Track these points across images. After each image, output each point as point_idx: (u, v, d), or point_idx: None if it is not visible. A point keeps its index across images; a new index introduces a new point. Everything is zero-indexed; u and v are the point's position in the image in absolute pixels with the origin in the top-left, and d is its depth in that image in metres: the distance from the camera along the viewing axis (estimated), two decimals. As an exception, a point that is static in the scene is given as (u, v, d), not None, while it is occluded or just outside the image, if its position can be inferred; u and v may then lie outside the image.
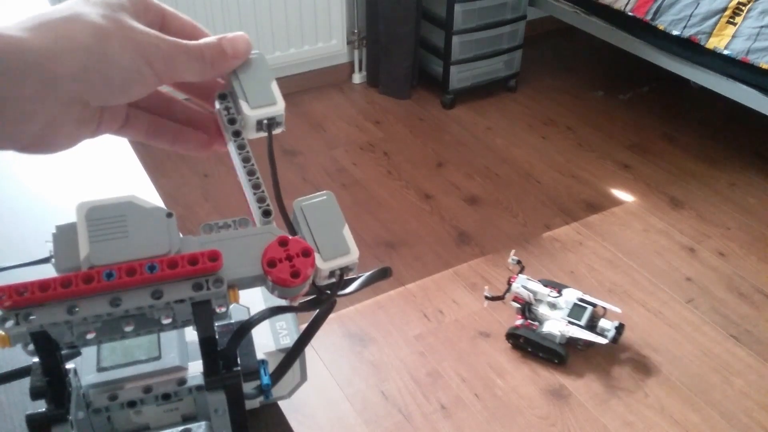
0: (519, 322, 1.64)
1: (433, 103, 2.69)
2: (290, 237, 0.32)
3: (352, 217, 2.06)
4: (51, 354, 0.31)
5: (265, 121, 0.35)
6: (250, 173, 0.35)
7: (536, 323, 1.63)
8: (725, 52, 2.10)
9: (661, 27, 2.27)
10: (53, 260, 0.31)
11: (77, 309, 0.29)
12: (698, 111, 2.68)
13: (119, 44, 0.30)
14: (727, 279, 1.87)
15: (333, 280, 0.34)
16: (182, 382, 0.38)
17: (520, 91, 2.80)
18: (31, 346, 0.30)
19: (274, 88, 0.35)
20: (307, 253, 0.32)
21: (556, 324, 1.59)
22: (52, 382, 0.32)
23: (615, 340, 1.58)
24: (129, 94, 0.31)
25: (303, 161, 2.31)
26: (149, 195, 0.63)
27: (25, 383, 0.33)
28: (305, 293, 0.34)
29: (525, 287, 1.65)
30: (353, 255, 0.33)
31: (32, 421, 0.33)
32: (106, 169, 0.67)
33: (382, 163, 2.32)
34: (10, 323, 0.29)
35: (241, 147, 0.35)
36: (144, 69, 0.31)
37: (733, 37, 2.08)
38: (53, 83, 0.28)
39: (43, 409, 0.33)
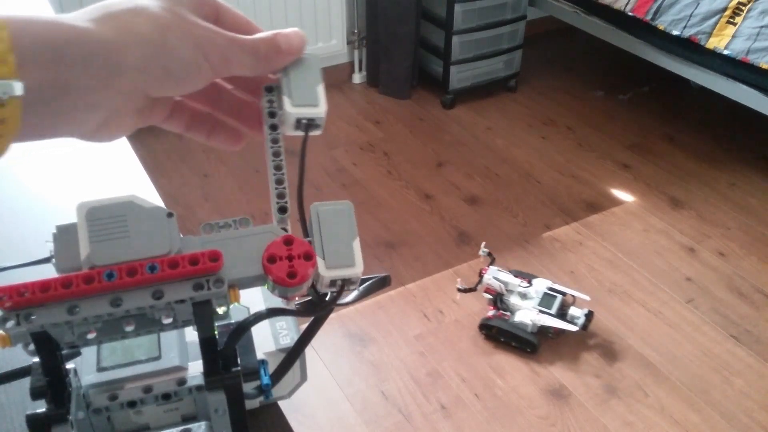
0: (491, 312, 1.68)
1: (433, 103, 2.69)
2: (296, 238, 0.32)
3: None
4: (51, 354, 0.31)
5: (304, 121, 0.35)
6: (277, 168, 0.35)
7: (508, 313, 1.66)
8: (725, 52, 2.10)
9: (661, 27, 2.27)
10: (54, 260, 0.31)
11: (78, 309, 0.29)
12: (698, 111, 2.68)
13: (179, 37, 0.30)
14: (727, 279, 1.87)
15: (333, 289, 0.34)
16: (182, 382, 0.38)
17: (520, 91, 2.80)
18: (31, 346, 0.30)
19: (320, 90, 0.35)
20: (308, 256, 0.32)
21: (527, 313, 1.63)
22: (53, 382, 0.32)
23: (585, 327, 1.62)
24: (186, 86, 0.32)
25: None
26: (149, 195, 0.63)
27: (25, 383, 0.33)
28: (305, 294, 0.34)
29: (496, 278, 1.69)
30: (357, 269, 0.33)
31: (32, 421, 0.32)
32: (106, 169, 0.67)
33: (382, 163, 2.32)
34: (10, 324, 0.29)
35: (274, 141, 0.35)
36: (201, 62, 0.31)
37: (733, 37, 2.08)
38: (117, 73, 0.29)
39: (43, 409, 0.33)
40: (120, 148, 0.70)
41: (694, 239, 2.01)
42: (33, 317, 0.29)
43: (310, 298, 0.35)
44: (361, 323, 1.71)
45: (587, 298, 1.69)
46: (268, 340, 0.44)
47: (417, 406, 1.50)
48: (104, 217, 0.30)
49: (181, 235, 0.32)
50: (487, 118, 2.62)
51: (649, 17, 2.30)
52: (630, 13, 2.36)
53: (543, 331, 1.64)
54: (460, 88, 2.65)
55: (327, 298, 0.34)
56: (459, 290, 1.75)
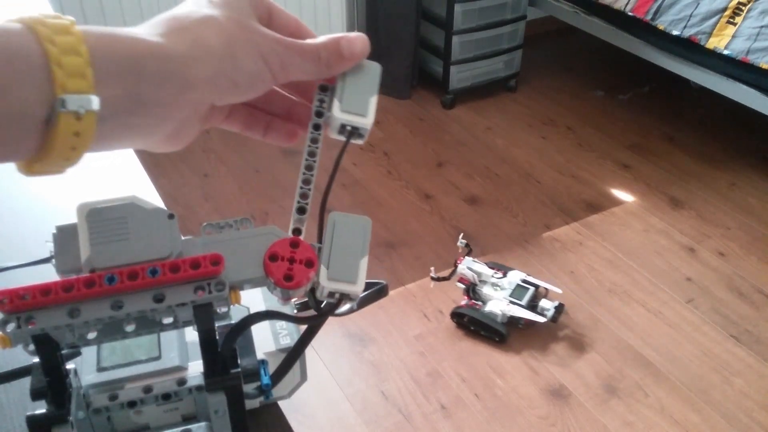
0: (464, 302, 1.71)
1: (433, 103, 2.69)
2: (303, 242, 0.32)
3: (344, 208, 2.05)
4: (51, 355, 0.31)
5: (349, 128, 0.35)
6: (308, 168, 0.35)
7: (480, 303, 1.69)
8: (725, 52, 2.10)
9: (661, 27, 2.27)
10: (54, 261, 0.31)
11: (79, 312, 0.29)
12: (698, 111, 2.68)
13: (244, 48, 0.31)
14: (727, 279, 1.87)
15: (331, 300, 0.33)
16: (182, 382, 0.39)
17: (520, 91, 2.80)
18: (31, 346, 0.30)
19: (372, 102, 0.35)
20: (310, 263, 0.32)
21: (498, 304, 1.66)
22: (53, 383, 0.32)
23: (554, 319, 1.64)
24: (249, 94, 0.32)
25: (303, 161, 2.31)
26: (149, 195, 0.63)
27: (25, 383, 0.33)
28: (303, 296, 0.34)
29: (470, 269, 1.72)
30: (357, 288, 0.33)
31: (33, 421, 0.33)
32: (107, 170, 0.67)
33: (382, 163, 2.32)
34: (11, 326, 0.29)
35: (313, 141, 0.35)
36: (264, 72, 0.32)
37: (733, 37, 2.08)
38: (189, 88, 0.29)
39: (44, 410, 0.33)
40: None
41: (694, 239, 2.01)
42: (34, 320, 0.29)
43: (304, 300, 0.35)
44: (361, 323, 1.71)
45: (559, 291, 1.72)
46: (268, 340, 0.44)
47: (417, 406, 1.50)
48: (105, 219, 0.30)
49: (183, 237, 0.32)
50: (487, 118, 2.62)
51: (649, 17, 2.30)
52: (630, 13, 2.36)
53: (513, 321, 1.67)
54: (460, 88, 2.65)
55: (323, 306, 0.34)
56: (432, 279, 1.78)
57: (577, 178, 2.29)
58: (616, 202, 2.17)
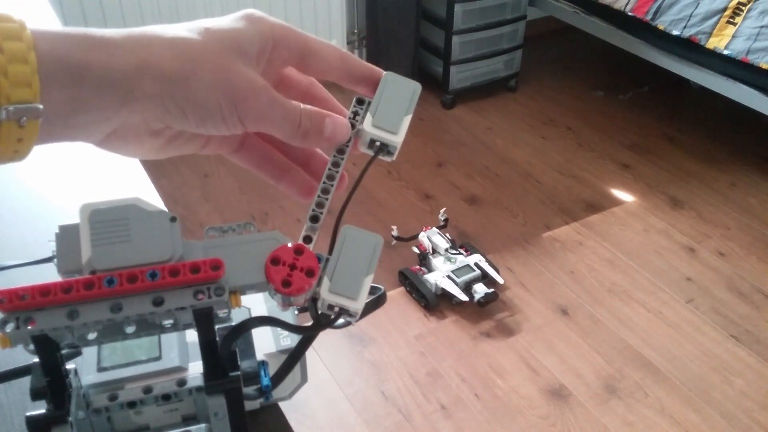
0: (415, 267, 1.83)
1: (433, 103, 2.69)
2: (308, 250, 0.32)
3: (352, 217, 2.05)
4: (51, 355, 0.31)
5: (378, 143, 0.35)
6: (329, 177, 0.35)
7: (424, 270, 1.82)
8: (725, 52, 2.10)
9: (661, 27, 2.27)
10: (55, 260, 0.31)
11: (78, 314, 0.29)
12: (698, 111, 2.68)
13: (207, 81, 0.30)
14: (727, 279, 1.87)
15: (330, 313, 0.33)
16: (182, 382, 0.38)
17: (520, 91, 2.80)
18: (31, 346, 0.30)
19: (406, 121, 0.35)
20: (311, 272, 0.32)
21: (436, 275, 1.77)
22: (53, 383, 0.32)
23: (481, 303, 1.72)
24: (208, 129, 0.32)
25: (303, 161, 2.31)
26: (149, 195, 0.63)
27: (25, 383, 0.33)
28: (303, 305, 0.33)
29: (429, 238, 1.85)
30: (357, 305, 0.32)
31: (32, 422, 0.33)
32: (107, 170, 0.67)
33: (382, 163, 2.32)
34: (10, 326, 0.29)
35: (339, 151, 0.36)
36: (227, 111, 0.31)
37: (733, 37, 2.08)
38: (130, 100, 0.29)
39: (43, 410, 0.33)
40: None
41: (694, 239, 2.01)
42: (33, 320, 0.29)
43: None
44: (361, 323, 1.71)
45: (501, 281, 1.79)
46: (269, 341, 0.44)
47: (417, 406, 1.50)
48: (107, 220, 0.30)
49: (185, 239, 0.32)
50: (487, 118, 2.62)
51: (649, 17, 2.30)
52: (630, 13, 2.36)
53: (448, 296, 1.75)
54: (460, 88, 2.65)
55: (321, 317, 0.34)
56: (393, 237, 1.92)
57: (577, 178, 2.29)
58: (616, 202, 2.17)
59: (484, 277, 1.79)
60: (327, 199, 0.35)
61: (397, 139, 0.35)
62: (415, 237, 1.88)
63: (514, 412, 1.49)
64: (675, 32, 2.22)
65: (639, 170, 2.33)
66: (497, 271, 1.81)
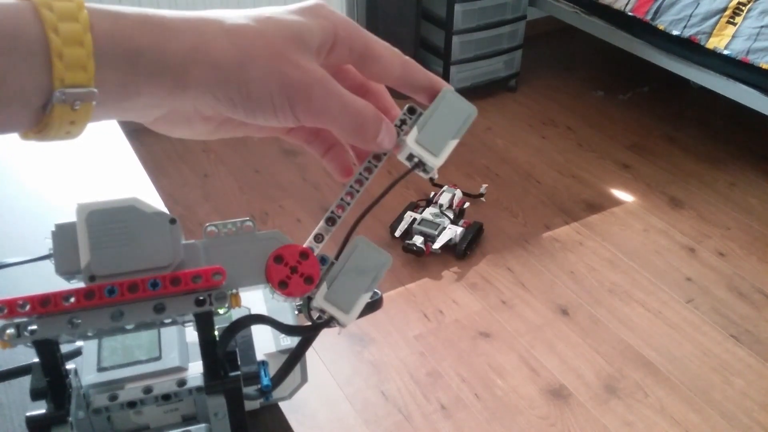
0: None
1: (433, 103, 2.68)
2: (313, 256, 0.32)
3: (352, 216, 2.05)
4: (51, 356, 0.31)
5: (416, 159, 0.34)
6: (358, 182, 0.35)
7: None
8: (725, 52, 2.10)
9: (661, 27, 2.27)
10: (52, 259, 0.31)
11: (78, 321, 0.29)
12: (698, 111, 2.68)
13: (260, 72, 0.29)
14: (727, 279, 1.87)
15: (321, 317, 0.33)
16: (182, 383, 0.38)
17: (520, 91, 2.80)
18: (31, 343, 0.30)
19: (450, 145, 0.34)
20: (310, 280, 0.32)
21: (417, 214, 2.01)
22: (53, 383, 0.32)
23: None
24: (260, 119, 0.31)
25: (303, 161, 2.31)
26: (149, 195, 0.63)
27: (25, 383, 0.33)
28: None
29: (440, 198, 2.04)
30: (347, 318, 0.32)
31: (32, 422, 0.33)
32: (107, 169, 0.67)
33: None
34: (10, 331, 0.29)
35: (375, 157, 0.35)
36: (280, 104, 0.30)
37: (733, 37, 2.08)
38: (182, 88, 0.29)
39: (43, 411, 0.33)
40: (120, 148, 0.70)
41: (694, 239, 2.01)
42: (33, 327, 0.29)
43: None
44: (361, 323, 1.71)
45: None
46: (269, 341, 0.44)
47: (417, 406, 1.50)
48: (105, 222, 0.30)
49: (184, 239, 0.32)
50: (487, 118, 2.62)
51: (649, 17, 2.30)
52: (630, 13, 2.36)
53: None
54: (460, 88, 2.65)
55: (316, 320, 0.34)
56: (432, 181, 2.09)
57: (577, 178, 2.29)
58: (616, 202, 2.17)
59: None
60: (349, 204, 0.34)
61: (437, 162, 0.33)
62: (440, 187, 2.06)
63: (514, 412, 1.49)
64: (675, 32, 2.22)
65: (639, 170, 2.33)
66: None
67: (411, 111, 0.34)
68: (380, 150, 0.34)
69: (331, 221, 0.34)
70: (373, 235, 1.98)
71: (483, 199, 2.05)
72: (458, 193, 2.01)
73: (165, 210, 0.32)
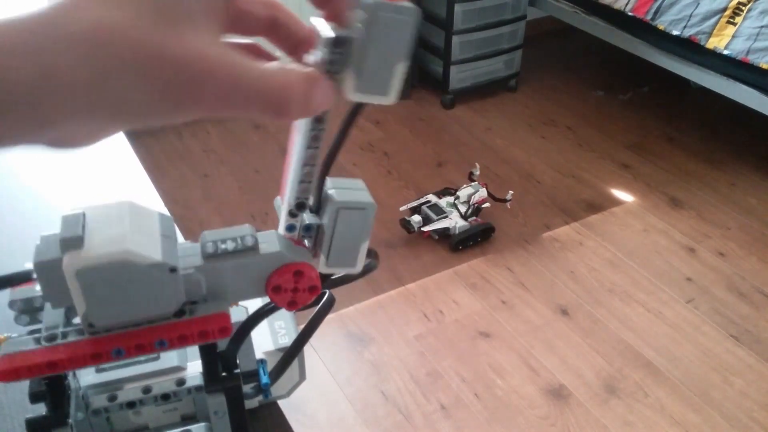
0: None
1: (433, 103, 2.69)
2: (307, 269, 0.32)
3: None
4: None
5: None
6: (311, 158, 0.30)
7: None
8: (725, 52, 2.10)
9: (661, 27, 2.27)
10: (44, 299, 0.30)
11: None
12: (698, 111, 2.68)
13: (131, 82, 0.22)
14: (727, 279, 1.87)
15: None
16: (181, 382, 0.39)
17: (520, 91, 2.80)
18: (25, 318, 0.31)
19: (398, 71, 0.26)
20: (313, 288, 0.32)
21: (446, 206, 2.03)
22: (51, 386, 0.33)
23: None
24: (153, 125, 0.25)
25: (303, 161, 2.31)
26: (149, 195, 0.63)
27: (25, 384, 0.33)
28: None
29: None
30: (356, 269, 0.33)
31: (32, 424, 0.33)
32: (107, 169, 0.67)
33: (382, 163, 2.31)
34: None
35: (318, 120, 0.29)
36: (168, 110, 0.24)
37: (733, 37, 2.08)
38: (50, 123, 0.22)
39: (43, 413, 0.33)
40: (120, 148, 0.70)
41: (694, 239, 2.01)
42: None
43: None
44: (361, 323, 1.71)
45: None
46: (267, 339, 0.44)
47: (417, 406, 1.50)
48: (97, 281, 0.27)
49: (183, 243, 0.31)
50: (487, 118, 2.62)
51: (649, 17, 2.30)
52: (630, 13, 2.36)
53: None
54: (460, 88, 2.65)
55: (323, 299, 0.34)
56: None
57: (577, 178, 2.29)
58: (616, 202, 2.17)
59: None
60: (311, 182, 0.31)
61: (389, 101, 0.27)
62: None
63: (514, 412, 1.49)
64: (675, 32, 2.22)
65: (639, 170, 2.33)
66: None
67: (338, 43, 0.25)
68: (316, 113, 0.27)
69: (301, 207, 0.32)
70: (376, 234, 1.98)
71: (508, 205, 2.04)
72: (482, 191, 1.99)
73: (165, 210, 0.32)
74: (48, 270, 0.28)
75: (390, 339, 1.67)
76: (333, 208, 0.31)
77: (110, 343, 0.29)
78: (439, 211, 1.96)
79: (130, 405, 0.38)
